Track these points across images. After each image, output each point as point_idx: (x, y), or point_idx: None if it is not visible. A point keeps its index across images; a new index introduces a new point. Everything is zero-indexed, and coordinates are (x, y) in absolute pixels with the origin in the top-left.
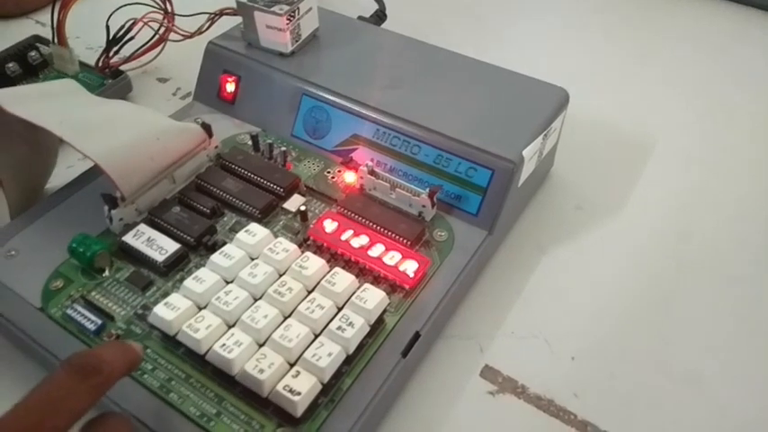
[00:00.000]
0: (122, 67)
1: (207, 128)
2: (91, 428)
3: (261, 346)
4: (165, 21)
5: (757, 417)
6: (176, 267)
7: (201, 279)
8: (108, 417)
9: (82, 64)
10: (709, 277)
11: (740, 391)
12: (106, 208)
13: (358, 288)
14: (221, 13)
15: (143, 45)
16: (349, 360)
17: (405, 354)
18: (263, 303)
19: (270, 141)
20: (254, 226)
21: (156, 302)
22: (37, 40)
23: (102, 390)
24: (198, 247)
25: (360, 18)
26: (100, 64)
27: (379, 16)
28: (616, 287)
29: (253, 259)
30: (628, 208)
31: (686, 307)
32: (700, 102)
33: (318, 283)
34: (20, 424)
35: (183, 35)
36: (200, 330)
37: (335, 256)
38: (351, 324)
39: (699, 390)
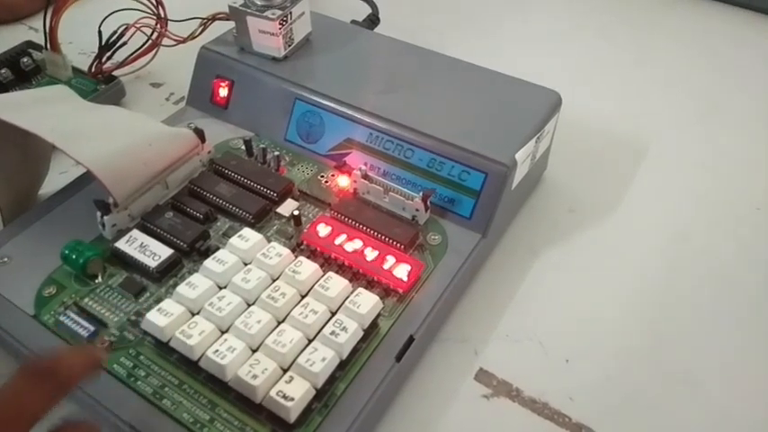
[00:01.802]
0: (115, 73)
1: (200, 133)
2: None
3: (254, 351)
4: (158, 26)
5: (753, 419)
6: (169, 273)
7: (194, 285)
8: (74, 425)
9: (75, 69)
10: (703, 279)
11: (736, 393)
12: (99, 214)
13: (351, 292)
14: (214, 18)
15: (136, 50)
16: (343, 365)
17: (399, 358)
18: (257, 309)
19: (263, 146)
20: (247, 231)
21: (148, 308)
22: (29, 45)
23: (60, 393)
24: (191, 252)
25: (353, 22)
26: (93, 69)
27: (372, 20)
28: (610, 289)
29: (246, 264)
30: (621, 210)
31: (680, 309)
32: (694, 104)
33: (312, 288)
34: None
35: (175, 40)
36: (194, 336)
37: (329, 261)
38: (344, 329)
39: (694, 392)
